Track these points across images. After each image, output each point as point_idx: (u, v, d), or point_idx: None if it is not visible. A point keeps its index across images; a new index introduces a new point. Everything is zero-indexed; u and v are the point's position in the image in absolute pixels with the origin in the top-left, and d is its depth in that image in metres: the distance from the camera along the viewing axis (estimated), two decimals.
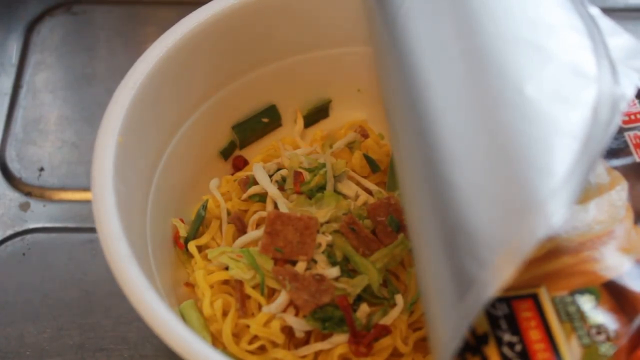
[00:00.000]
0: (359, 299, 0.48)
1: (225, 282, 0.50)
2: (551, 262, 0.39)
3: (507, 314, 0.37)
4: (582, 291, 0.38)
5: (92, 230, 0.44)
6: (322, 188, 0.52)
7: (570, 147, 0.35)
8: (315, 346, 0.47)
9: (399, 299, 0.48)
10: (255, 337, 0.48)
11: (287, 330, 0.48)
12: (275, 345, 0.47)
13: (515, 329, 0.37)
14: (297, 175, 0.53)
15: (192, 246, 0.52)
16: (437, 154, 0.36)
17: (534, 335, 0.36)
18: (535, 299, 0.37)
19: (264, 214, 0.52)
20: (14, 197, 0.63)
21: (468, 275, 0.33)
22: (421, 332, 0.48)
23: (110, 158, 0.45)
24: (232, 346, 0.47)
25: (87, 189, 0.63)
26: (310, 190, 0.52)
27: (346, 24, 0.55)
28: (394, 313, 0.48)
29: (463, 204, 0.34)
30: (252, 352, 0.47)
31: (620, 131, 0.44)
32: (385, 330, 0.47)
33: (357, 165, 0.55)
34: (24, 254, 0.59)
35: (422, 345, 0.48)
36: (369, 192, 0.54)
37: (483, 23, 0.39)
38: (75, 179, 0.64)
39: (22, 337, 0.55)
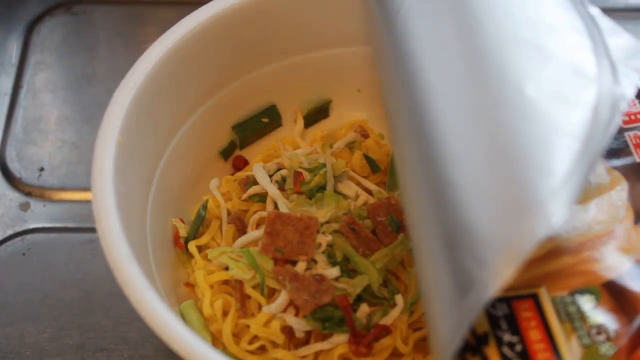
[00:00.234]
0: (359, 299, 0.48)
1: (225, 282, 0.50)
2: (551, 262, 0.39)
3: (507, 314, 0.37)
4: (582, 291, 0.37)
5: (92, 230, 0.44)
6: (322, 188, 0.52)
7: (570, 147, 0.35)
8: (316, 346, 0.47)
9: (399, 299, 0.48)
10: (255, 337, 0.48)
11: (287, 330, 0.48)
12: (275, 345, 0.47)
13: (515, 329, 0.37)
14: (297, 175, 0.53)
15: (192, 246, 0.52)
16: (437, 154, 0.36)
17: (534, 335, 0.36)
18: (535, 299, 0.37)
19: (264, 214, 0.52)
20: (14, 197, 0.63)
21: (468, 275, 0.33)
22: (421, 332, 0.48)
23: (110, 158, 0.45)
24: (232, 346, 0.47)
25: (87, 189, 0.63)
26: (310, 190, 0.52)
27: (346, 24, 0.55)
28: (394, 313, 0.48)
29: (463, 204, 0.34)
30: (252, 352, 0.47)
31: (620, 131, 0.44)
32: (386, 330, 0.47)
33: (357, 165, 0.55)
34: (24, 254, 0.59)
35: (422, 345, 0.48)
36: (369, 192, 0.54)
37: (483, 23, 0.39)
38: (75, 179, 0.64)
39: (22, 337, 0.55)
